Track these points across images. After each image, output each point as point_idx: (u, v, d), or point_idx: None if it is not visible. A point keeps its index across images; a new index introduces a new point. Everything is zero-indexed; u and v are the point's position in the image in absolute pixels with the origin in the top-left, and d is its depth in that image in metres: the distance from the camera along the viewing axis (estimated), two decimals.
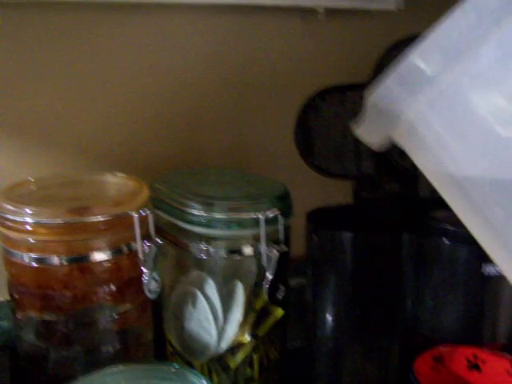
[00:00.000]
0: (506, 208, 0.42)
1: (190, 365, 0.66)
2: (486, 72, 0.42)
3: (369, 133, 0.52)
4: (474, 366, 0.64)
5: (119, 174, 0.66)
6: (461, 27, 0.42)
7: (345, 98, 0.62)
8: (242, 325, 0.62)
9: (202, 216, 0.59)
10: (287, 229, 0.63)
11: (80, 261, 0.57)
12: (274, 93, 0.80)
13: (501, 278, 0.54)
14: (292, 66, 0.79)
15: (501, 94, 0.42)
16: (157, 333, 0.68)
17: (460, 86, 0.43)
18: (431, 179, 0.49)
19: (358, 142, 0.63)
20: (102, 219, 0.56)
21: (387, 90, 0.47)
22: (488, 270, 0.54)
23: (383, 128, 0.50)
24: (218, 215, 0.59)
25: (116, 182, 0.65)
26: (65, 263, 0.57)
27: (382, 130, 0.50)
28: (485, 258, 0.54)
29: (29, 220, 0.55)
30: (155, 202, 0.64)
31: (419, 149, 0.48)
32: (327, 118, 0.63)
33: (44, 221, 0.55)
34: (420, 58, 0.45)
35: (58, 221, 0.55)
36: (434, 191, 0.60)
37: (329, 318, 0.61)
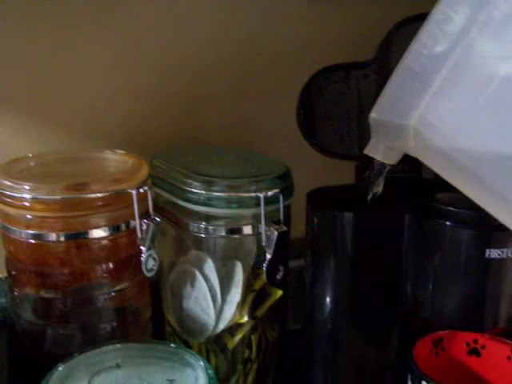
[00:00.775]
0: None
1: (187, 344, 0.66)
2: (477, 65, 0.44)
3: (379, 150, 0.53)
4: (474, 351, 0.63)
5: (119, 151, 0.65)
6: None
7: (348, 76, 0.61)
8: (241, 305, 0.62)
9: (202, 194, 0.59)
10: (288, 209, 0.63)
11: (77, 237, 0.57)
12: (277, 71, 0.79)
13: (503, 261, 0.54)
14: (295, 44, 0.78)
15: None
16: (156, 312, 0.68)
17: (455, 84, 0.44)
18: (447, 178, 0.49)
19: (361, 122, 0.62)
20: (100, 196, 0.56)
21: (387, 102, 0.48)
22: (491, 253, 0.54)
23: (391, 141, 0.51)
24: (217, 194, 0.58)
25: (115, 159, 0.64)
26: (62, 240, 0.56)
27: (390, 144, 0.52)
28: (488, 241, 0.54)
29: (27, 196, 0.55)
30: (155, 180, 0.64)
31: (430, 152, 0.49)
32: (330, 97, 0.62)
33: (42, 197, 0.55)
34: (413, 63, 0.46)
35: (56, 197, 0.55)
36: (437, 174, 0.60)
37: (328, 300, 0.61)
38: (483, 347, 0.63)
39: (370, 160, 0.55)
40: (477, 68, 0.44)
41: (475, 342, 0.63)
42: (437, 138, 0.46)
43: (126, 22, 0.73)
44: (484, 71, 0.44)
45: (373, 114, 0.50)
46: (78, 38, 0.72)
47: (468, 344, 0.63)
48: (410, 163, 0.61)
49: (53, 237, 0.56)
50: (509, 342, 0.61)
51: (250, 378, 0.66)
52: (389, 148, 0.52)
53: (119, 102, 0.76)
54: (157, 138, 0.77)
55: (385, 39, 0.61)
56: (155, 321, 0.68)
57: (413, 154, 0.50)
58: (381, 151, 0.53)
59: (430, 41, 0.45)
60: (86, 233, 0.57)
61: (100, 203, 0.56)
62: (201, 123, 0.80)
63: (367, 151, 0.54)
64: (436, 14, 0.45)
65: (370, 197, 0.58)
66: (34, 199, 0.55)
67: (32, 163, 0.63)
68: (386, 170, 0.55)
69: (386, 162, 0.54)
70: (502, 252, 0.53)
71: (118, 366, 0.54)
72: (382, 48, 0.61)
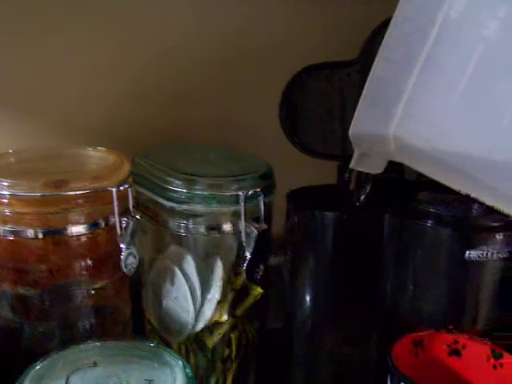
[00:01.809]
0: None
1: (167, 343, 0.65)
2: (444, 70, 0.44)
3: (363, 162, 0.53)
4: (454, 352, 0.63)
5: (100, 149, 0.64)
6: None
7: (332, 75, 0.61)
8: (221, 303, 0.61)
9: (183, 193, 0.58)
10: (269, 207, 0.62)
11: (56, 234, 0.56)
12: (261, 69, 0.79)
13: (483, 262, 0.54)
14: (279, 42, 0.78)
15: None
16: (136, 310, 0.68)
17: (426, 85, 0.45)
18: (434, 177, 0.50)
19: (344, 122, 0.62)
20: (79, 193, 0.55)
21: (364, 115, 0.48)
22: (470, 254, 0.54)
23: (374, 151, 0.52)
24: (198, 192, 0.58)
25: (96, 156, 0.64)
26: (40, 236, 0.56)
27: (373, 154, 0.52)
28: (468, 242, 0.54)
29: (5, 192, 0.54)
30: (136, 178, 0.63)
31: (413, 155, 0.49)
32: (313, 96, 0.62)
33: (20, 193, 0.54)
34: (383, 71, 0.46)
35: (35, 194, 0.54)
36: (420, 174, 0.60)
37: (307, 299, 0.61)
38: (464, 348, 0.63)
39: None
40: (444, 67, 0.45)
41: (455, 342, 0.63)
42: (417, 141, 0.47)
43: (108, 19, 0.73)
44: (452, 69, 0.44)
45: (351, 131, 0.50)
46: (59, 34, 0.71)
47: (448, 345, 0.63)
48: (392, 164, 0.60)
49: (31, 233, 0.55)
50: (489, 343, 0.61)
51: (230, 376, 0.66)
52: (372, 158, 0.53)
53: (102, 100, 0.76)
54: (139, 136, 0.77)
55: (368, 39, 0.61)
56: (136, 319, 0.68)
57: (397, 159, 0.51)
58: (365, 163, 0.53)
59: (396, 45, 0.46)
60: (65, 229, 0.56)
61: (80, 200, 0.56)
62: (184, 121, 0.79)
63: (352, 165, 0.54)
64: (397, 18, 0.46)
65: (357, 198, 0.58)
66: (12, 196, 0.54)
67: (12, 159, 0.62)
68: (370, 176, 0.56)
69: (372, 172, 0.55)
70: (482, 253, 0.53)
71: (95, 364, 0.53)
72: (365, 47, 0.61)
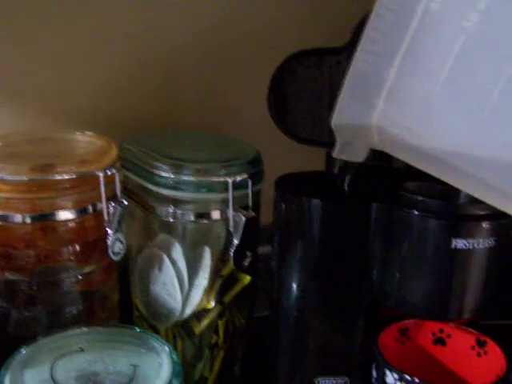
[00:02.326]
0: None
1: (155, 329, 0.66)
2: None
3: (345, 151, 0.53)
4: (439, 340, 0.64)
5: (88, 133, 0.64)
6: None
7: (321, 62, 0.61)
8: (208, 290, 0.62)
9: (171, 178, 0.58)
10: (257, 195, 0.62)
11: (43, 219, 0.56)
12: (250, 55, 0.79)
13: (469, 252, 0.54)
14: (270, 28, 0.78)
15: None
16: (124, 296, 0.68)
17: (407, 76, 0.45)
18: (418, 166, 0.50)
19: (333, 109, 0.62)
20: (66, 177, 0.55)
21: (346, 106, 0.49)
22: (457, 243, 0.54)
23: (356, 140, 0.52)
24: (186, 178, 0.58)
25: (84, 140, 0.63)
26: (28, 221, 0.56)
27: (356, 142, 0.52)
28: (454, 231, 0.54)
29: None
30: (124, 163, 0.63)
31: (396, 145, 0.49)
32: (302, 82, 0.61)
33: (7, 177, 0.54)
34: (363, 62, 0.47)
35: (22, 178, 0.54)
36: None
37: (294, 286, 0.61)
38: (449, 336, 0.63)
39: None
40: (425, 58, 0.45)
41: (441, 331, 0.63)
42: (400, 131, 0.47)
43: (95, 4, 0.72)
44: (433, 60, 0.44)
45: (333, 121, 0.51)
46: (45, 18, 0.71)
47: (434, 333, 0.64)
48: (380, 151, 0.60)
49: (18, 218, 0.55)
50: (474, 331, 0.62)
51: (217, 363, 0.66)
52: (355, 147, 0.53)
53: (90, 84, 0.75)
54: (128, 121, 0.76)
55: (358, 25, 0.60)
56: (123, 305, 0.68)
57: (380, 148, 0.51)
58: (348, 152, 0.54)
59: (377, 37, 0.46)
60: (53, 215, 0.56)
61: (67, 185, 0.55)
62: (173, 107, 0.79)
63: (335, 154, 0.54)
64: (378, 10, 0.46)
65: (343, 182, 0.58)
66: None
67: None
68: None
69: (354, 160, 0.55)
70: (469, 242, 0.54)
71: (81, 349, 0.53)
72: (355, 34, 0.61)
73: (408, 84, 0.46)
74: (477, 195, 0.47)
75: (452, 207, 0.54)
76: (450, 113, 0.44)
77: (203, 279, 0.61)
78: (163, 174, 0.58)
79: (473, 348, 0.61)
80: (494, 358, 0.59)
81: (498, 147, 0.42)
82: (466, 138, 0.43)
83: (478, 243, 0.54)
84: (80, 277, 0.60)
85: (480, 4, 0.41)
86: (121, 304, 0.67)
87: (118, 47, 0.75)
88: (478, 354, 0.61)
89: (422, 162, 0.49)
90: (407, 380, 0.54)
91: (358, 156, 0.53)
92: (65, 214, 0.56)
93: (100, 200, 0.57)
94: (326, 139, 0.63)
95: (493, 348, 0.60)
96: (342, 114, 0.50)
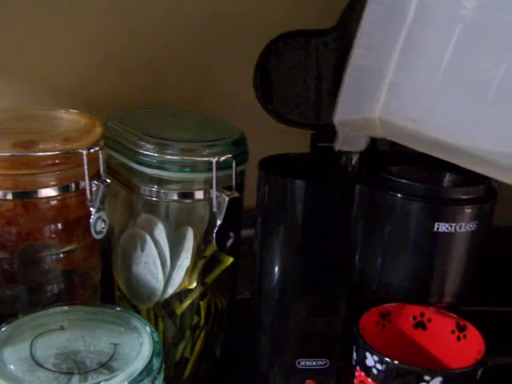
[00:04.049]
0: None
1: (136, 309, 0.65)
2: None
3: (346, 143, 0.55)
4: (420, 324, 0.64)
5: (72, 111, 0.64)
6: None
7: (308, 43, 0.61)
8: (190, 271, 0.61)
9: (154, 157, 0.58)
10: (241, 176, 0.62)
11: (25, 196, 0.55)
12: (236, 35, 0.78)
13: (451, 235, 0.54)
14: (257, 8, 0.78)
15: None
16: (106, 277, 0.68)
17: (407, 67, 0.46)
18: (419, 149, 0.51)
19: (319, 91, 0.62)
20: (48, 154, 0.54)
21: (347, 102, 0.49)
22: (439, 227, 0.54)
23: (359, 132, 0.53)
24: (170, 157, 0.57)
25: (68, 118, 0.63)
26: (9, 198, 0.55)
27: (358, 134, 0.54)
28: (437, 215, 0.54)
29: None
30: (108, 141, 0.63)
31: (399, 134, 0.50)
32: (288, 63, 0.61)
33: None
34: (361, 58, 0.47)
35: (4, 154, 0.53)
36: (392, 145, 0.60)
37: (276, 268, 0.61)
38: (429, 320, 0.64)
39: (325, 130, 0.55)
40: (424, 48, 0.45)
41: (422, 315, 0.64)
42: (403, 122, 0.47)
43: None
44: (432, 49, 0.45)
45: (336, 118, 0.51)
46: None
47: (414, 317, 0.64)
48: None
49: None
50: (454, 315, 0.62)
51: (198, 344, 0.66)
52: (357, 138, 0.54)
53: (75, 62, 0.75)
54: (113, 100, 0.76)
55: (347, 7, 0.60)
56: (105, 285, 0.68)
57: (382, 136, 0.52)
58: (349, 143, 0.55)
59: (373, 31, 0.47)
60: (35, 192, 0.55)
61: (49, 162, 0.55)
62: (160, 86, 0.79)
63: (337, 147, 0.55)
64: (371, 4, 0.46)
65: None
66: None
67: None
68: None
69: (356, 150, 0.56)
70: (451, 226, 0.54)
71: (62, 328, 0.53)
72: (343, 16, 0.61)
73: (409, 76, 0.46)
74: (479, 171, 0.49)
75: (435, 191, 0.54)
76: (453, 98, 0.45)
77: (185, 259, 0.61)
78: (147, 152, 0.58)
79: (453, 332, 0.62)
80: (473, 342, 0.60)
81: (502, 127, 0.43)
82: (472, 120, 0.44)
83: (460, 227, 0.54)
84: (61, 255, 0.60)
85: None
86: (103, 284, 0.67)
87: (102, 24, 0.74)
88: (458, 338, 0.61)
89: (426, 148, 0.50)
90: (387, 362, 0.55)
91: (359, 146, 0.54)
92: (47, 192, 0.56)
93: (83, 178, 0.56)
94: (311, 121, 0.63)
95: (472, 332, 0.60)
96: (344, 110, 0.50)
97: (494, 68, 0.42)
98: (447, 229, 0.54)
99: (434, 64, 0.44)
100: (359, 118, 0.50)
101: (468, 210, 0.54)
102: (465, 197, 0.54)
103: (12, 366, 0.47)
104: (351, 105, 0.50)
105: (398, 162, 0.59)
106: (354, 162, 0.58)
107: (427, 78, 0.45)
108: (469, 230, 0.54)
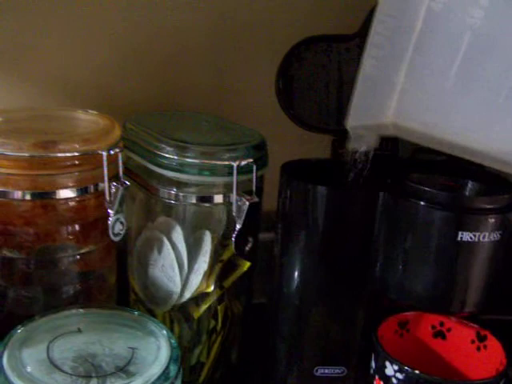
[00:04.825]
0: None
1: (152, 313, 0.65)
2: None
3: (360, 143, 0.55)
4: (439, 334, 0.63)
5: (91, 112, 0.64)
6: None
7: (330, 48, 0.60)
8: (207, 275, 0.61)
9: (174, 159, 0.57)
10: (261, 180, 0.62)
11: (44, 197, 0.55)
12: (258, 39, 0.78)
13: (475, 245, 0.54)
14: (279, 13, 0.77)
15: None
16: (121, 280, 0.67)
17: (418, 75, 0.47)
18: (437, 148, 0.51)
19: (340, 96, 0.62)
20: (68, 155, 0.54)
21: (360, 109, 0.50)
22: (463, 236, 0.53)
23: (373, 134, 0.53)
24: (190, 160, 0.57)
25: (87, 119, 0.63)
26: (28, 198, 0.55)
27: (371, 139, 0.54)
28: (460, 223, 0.54)
29: None
30: (127, 143, 0.62)
31: (412, 135, 0.50)
32: (310, 68, 0.61)
33: (9, 153, 0.53)
34: (371, 68, 0.48)
35: (23, 154, 0.53)
36: (414, 152, 0.59)
37: (296, 274, 0.60)
38: (449, 330, 0.63)
39: (347, 136, 0.54)
40: (434, 56, 0.46)
41: (441, 324, 0.63)
42: (416, 125, 0.48)
43: None
44: (442, 58, 0.46)
45: (349, 123, 0.52)
46: None
47: (433, 326, 0.63)
48: (387, 141, 0.60)
49: (18, 195, 0.55)
50: (474, 325, 0.62)
51: (214, 349, 0.66)
52: (369, 138, 0.54)
53: (95, 64, 0.75)
54: (132, 101, 0.76)
55: (369, 14, 0.60)
56: (120, 288, 0.67)
57: (395, 135, 0.52)
58: (362, 143, 0.55)
59: (382, 42, 0.47)
60: (53, 193, 0.55)
61: (69, 163, 0.55)
62: (178, 88, 0.79)
63: (350, 147, 0.55)
64: (379, 16, 0.47)
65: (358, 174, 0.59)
66: (0, 155, 0.53)
67: (1, 119, 0.61)
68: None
69: (367, 148, 0.56)
70: (474, 235, 0.53)
71: (79, 330, 0.53)
72: (366, 22, 0.60)
73: (419, 83, 0.47)
74: (496, 167, 0.49)
75: (459, 200, 0.54)
76: (464, 103, 0.45)
77: (203, 263, 0.60)
78: (167, 155, 0.58)
79: (472, 342, 0.61)
80: (493, 352, 0.59)
81: None
82: (485, 122, 0.45)
83: (483, 236, 0.53)
84: (78, 256, 0.59)
85: (483, 0, 0.43)
86: (118, 287, 0.67)
87: (121, 26, 0.74)
88: (478, 349, 0.61)
89: (441, 147, 0.50)
90: (408, 372, 0.54)
91: (371, 144, 0.54)
92: (65, 193, 0.56)
93: (102, 180, 0.56)
94: (332, 126, 0.62)
95: (493, 342, 0.59)
96: (357, 117, 0.51)
97: (504, 73, 0.43)
98: (470, 238, 0.53)
99: (444, 71, 0.45)
100: (372, 124, 0.51)
101: (492, 220, 0.53)
102: (489, 206, 0.53)
103: (30, 368, 0.47)
104: (363, 112, 0.51)
105: (421, 170, 0.58)
106: (353, 169, 0.58)
107: (438, 84, 0.46)
108: (492, 239, 0.54)
